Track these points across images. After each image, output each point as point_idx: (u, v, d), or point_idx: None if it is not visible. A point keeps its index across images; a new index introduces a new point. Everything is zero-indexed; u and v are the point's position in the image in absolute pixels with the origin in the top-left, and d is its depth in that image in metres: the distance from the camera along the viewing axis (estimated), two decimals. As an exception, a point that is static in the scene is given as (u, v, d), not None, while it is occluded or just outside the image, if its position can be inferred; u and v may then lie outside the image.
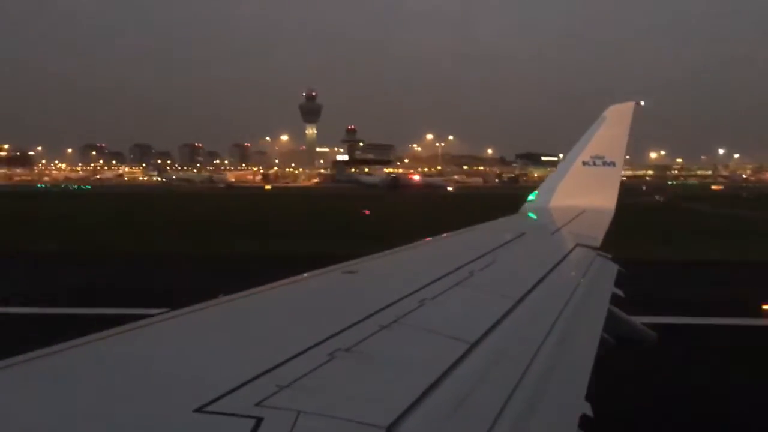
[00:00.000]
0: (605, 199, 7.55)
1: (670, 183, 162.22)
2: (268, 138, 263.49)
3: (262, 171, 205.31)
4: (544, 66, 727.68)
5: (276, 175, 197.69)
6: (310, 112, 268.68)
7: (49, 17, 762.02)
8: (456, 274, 3.20)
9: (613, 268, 4.52)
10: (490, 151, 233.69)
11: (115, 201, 60.43)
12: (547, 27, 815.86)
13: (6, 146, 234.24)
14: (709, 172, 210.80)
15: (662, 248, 20.68)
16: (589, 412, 1.90)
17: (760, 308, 11.48)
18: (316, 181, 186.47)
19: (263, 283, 2.78)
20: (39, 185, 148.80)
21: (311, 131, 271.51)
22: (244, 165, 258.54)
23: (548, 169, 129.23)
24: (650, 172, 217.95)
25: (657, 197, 61.91)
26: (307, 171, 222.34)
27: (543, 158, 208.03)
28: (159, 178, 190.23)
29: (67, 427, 1.35)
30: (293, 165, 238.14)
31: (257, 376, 1.59)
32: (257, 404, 1.42)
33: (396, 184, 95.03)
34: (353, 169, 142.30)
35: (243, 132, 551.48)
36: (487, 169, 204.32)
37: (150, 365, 1.76)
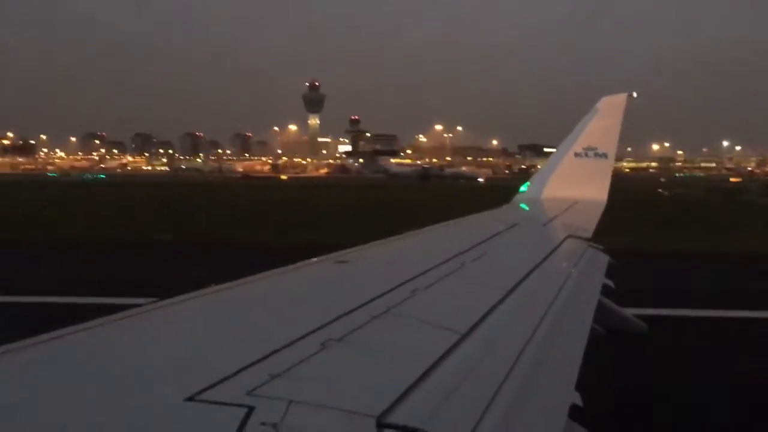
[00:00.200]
0: (597, 191, 7.57)
1: (678, 175, 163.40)
2: (276, 128, 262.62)
3: (270, 161, 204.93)
4: (546, 57, 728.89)
5: (285, 165, 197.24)
6: (313, 102, 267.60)
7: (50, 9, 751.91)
8: (448, 265, 3.20)
9: (604, 260, 4.58)
10: (495, 142, 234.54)
11: (156, 190, 58.46)
12: (550, 18, 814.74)
13: (11, 135, 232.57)
14: (713, 165, 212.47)
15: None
16: (578, 401, 1.93)
17: None
18: (325, 171, 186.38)
19: None
20: (50, 174, 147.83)
21: (314, 121, 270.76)
22: (246, 155, 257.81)
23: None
24: (653, 164, 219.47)
25: (681, 190, 61.29)
26: (315, 161, 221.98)
27: (546, 149, 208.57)
28: (166, 168, 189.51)
29: (56, 416, 1.35)
30: (297, 155, 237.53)
31: (249, 365, 1.59)
32: (249, 393, 1.43)
33: (427, 174, 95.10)
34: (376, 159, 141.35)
35: (244, 122, 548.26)
36: (495, 160, 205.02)
37: (140, 354, 1.78)
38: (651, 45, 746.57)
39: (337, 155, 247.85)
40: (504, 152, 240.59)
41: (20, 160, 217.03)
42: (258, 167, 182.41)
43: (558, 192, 7.71)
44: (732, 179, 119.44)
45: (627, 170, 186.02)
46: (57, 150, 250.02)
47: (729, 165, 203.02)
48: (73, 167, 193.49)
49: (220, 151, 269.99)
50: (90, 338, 1.87)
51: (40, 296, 11.38)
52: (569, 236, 5.09)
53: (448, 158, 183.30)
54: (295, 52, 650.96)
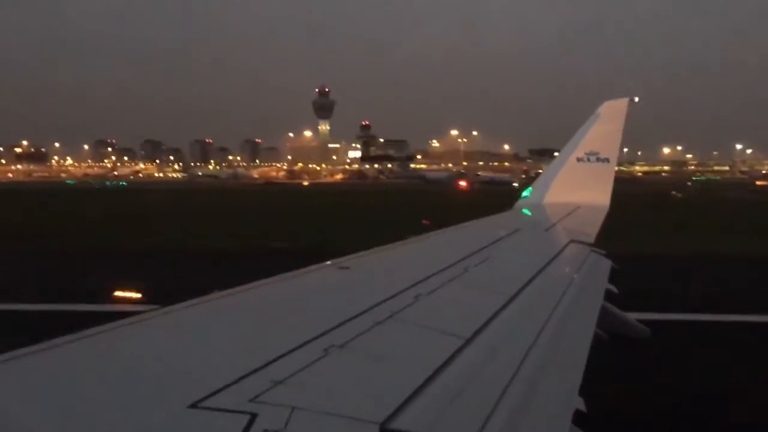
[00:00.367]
0: (600, 196, 7.55)
1: (695, 179, 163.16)
2: (291, 134, 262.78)
3: (284, 167, 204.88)
4: (554, 61, 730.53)
5: (301, 171, 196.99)
6: (323, 108, 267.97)
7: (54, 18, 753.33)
8: (450, 270, 3.20)
9: (607, 264, 4.55)
10: (507, 146, 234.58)
11: (204, 198, 58.52)
12: (558, 20, 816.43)
13: (24, 143, 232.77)
14: (726, 168, 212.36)
15: None
16: (582, 407, 1.92)
17: None
18: (340, 177, 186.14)
19: None
20: (69, 182, 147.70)
21: (324, 127, 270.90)
22: (257, 161, 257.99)
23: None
24: (666, 167, 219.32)
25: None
26: (330, 167, 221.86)
27: (555, 153, 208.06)
28: (181, 175, 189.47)
29: (61, 423, 1.36)
30: (307, 161, 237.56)
31: (251, 372, 1.60)
32: (252, 400, 1.44)
33: (463, 180, 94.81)
34: (385, 165, 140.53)
35: (252, 128, 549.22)
36: (511, 164, 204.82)
37: (144, 361, 1.77)
38: (662, 49, 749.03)
39: (348, 161, 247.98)
40: (515, 157, 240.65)
41: (33, 167, 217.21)
42: (273, 173, 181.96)
43: (560, 197, 7.68)
44: (758, 182, 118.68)
45: (640, 174, 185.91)
46: (67, 157, 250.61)
47: (743, 168, 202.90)
48: (86, 174, 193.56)
49: (230, 157, 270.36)
50: (94, 345, 1.86)
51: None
52: (572, 241, 5.05)
53: (465, 163, 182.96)
54: (303, 58, 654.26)
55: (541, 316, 2.66)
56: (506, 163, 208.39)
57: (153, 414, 1.40)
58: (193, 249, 20.45)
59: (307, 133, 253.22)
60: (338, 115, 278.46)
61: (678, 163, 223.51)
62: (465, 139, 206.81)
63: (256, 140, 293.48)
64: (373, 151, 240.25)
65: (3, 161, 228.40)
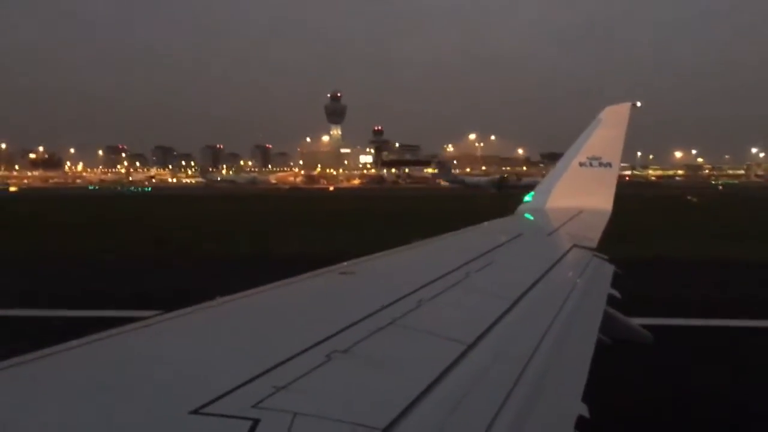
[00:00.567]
0: (602, 200, 7.54)
1: (713, 182, 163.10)
2: (308, 139, 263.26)
3: (302, 172, 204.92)
4: (565, 64, 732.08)
5: (319, 176, 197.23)
6: (335, 113, 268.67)
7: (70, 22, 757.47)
8: (453, 276, 3.19)
9: (610, 269, 4.54)
10: (520, 151, 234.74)
11: (237, 204, 57.85)
12: (569, 24, 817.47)
13: (40, 149, 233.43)
14: (742, 172, 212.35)
15: None
16: (585, 413, 1.91)
17: None
18: (357, 182, 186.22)
19: None
20: (90, 187, 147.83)
21: (336, 132, 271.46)
22: (269, 166, 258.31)
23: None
24: (680, 171, 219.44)
25: None
26: (346, 171, 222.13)
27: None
28: (197, 180, 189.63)
29: (61, 429, 1.35)
30: (320, 166, 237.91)
31: (254, 378, 1.59)
32: (254, 406, 1.43)
33: (502, 184, 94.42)
34: (405, 169, 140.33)
35: (263, 133, 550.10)
36: (528, 169, 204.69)
37: (145, 367, 1.76)
38: (670, 53, 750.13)
39: (360, 165, 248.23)
40: (527, 161, 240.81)
41: (48, 173, 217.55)
42: (291, 179, 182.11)
43: (563, 201, 7.64)
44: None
45: (653, 178, 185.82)
46: (80, 163, 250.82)
47: (759, 172, 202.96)
48: (102, 180, 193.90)
49: (242, 162, 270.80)
50: (94, 351, 1.85)
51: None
52: (574, 246, 5.03)
53: (484, 167, 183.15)
54: (314, 64, 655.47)
55: (544, 321, 2.65)
56: (523, 168, 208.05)
57: (154, 420, 1.39)
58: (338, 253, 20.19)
59: (325, 138, 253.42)
60: (347, 120, 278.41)
61: (693, 167, 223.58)
62: (482, 144, 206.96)
63: (267, 145, 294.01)
64: (386, 156, 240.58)
65: (17, 167, 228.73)
